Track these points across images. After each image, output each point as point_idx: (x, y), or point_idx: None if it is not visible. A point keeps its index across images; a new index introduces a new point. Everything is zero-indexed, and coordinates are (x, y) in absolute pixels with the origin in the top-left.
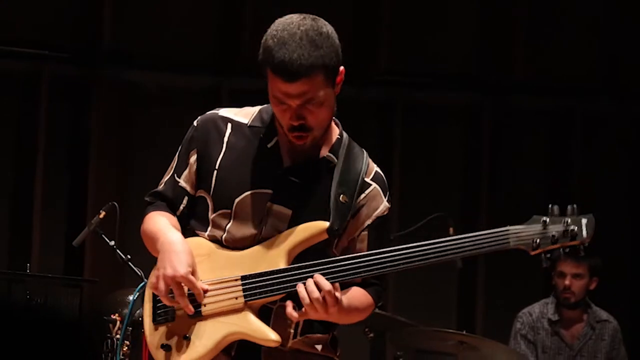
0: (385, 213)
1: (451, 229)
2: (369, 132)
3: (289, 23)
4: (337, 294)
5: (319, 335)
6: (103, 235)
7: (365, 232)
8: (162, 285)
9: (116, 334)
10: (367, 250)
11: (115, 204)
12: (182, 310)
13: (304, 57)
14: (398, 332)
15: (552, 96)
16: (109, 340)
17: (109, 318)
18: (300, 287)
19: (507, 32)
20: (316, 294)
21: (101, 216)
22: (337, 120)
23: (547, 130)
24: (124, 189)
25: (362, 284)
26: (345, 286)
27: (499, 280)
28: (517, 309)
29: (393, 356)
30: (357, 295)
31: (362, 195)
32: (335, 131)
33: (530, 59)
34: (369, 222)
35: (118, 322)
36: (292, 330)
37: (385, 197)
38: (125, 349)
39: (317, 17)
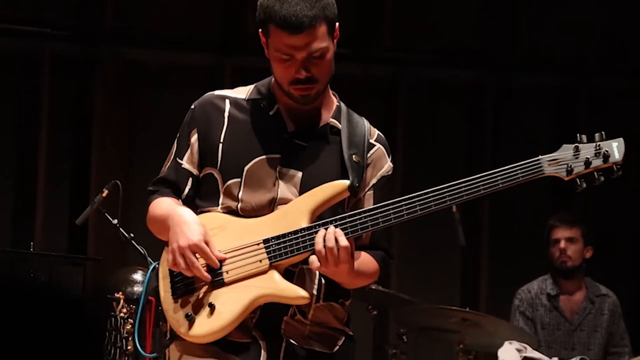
0: (390, 173)
1: (454, 207)
2: (373, 109)
3: None
4: (353, 252)
5: (339, 307)
6: (106, 214)
7: (371, 192)
8: (178, 259)
9: (120, 312)
10: None
11: (118, 182)
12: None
13: (307, 9)
14: (401, 309)
15: (556, 73)
16: (113, 319)
17: (112, 296)
18: (319, 233)
19: (510, 9)
20: (332, 242)
21: (104, 195)
22: (333, 91)
23: (551, 107)
24: (127, 167)
25: (372, 248)
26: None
27: (502, 257)
28: (521, 286)
29: (396, 333)
30: (365, 261)
31: (368, 155)
32: (334, 99)
33: (534, 36)
34: (374, 181)
35: (122, 300)
36: (315, 293)
37: (389, 158)
38: (129, 327)
39: None
